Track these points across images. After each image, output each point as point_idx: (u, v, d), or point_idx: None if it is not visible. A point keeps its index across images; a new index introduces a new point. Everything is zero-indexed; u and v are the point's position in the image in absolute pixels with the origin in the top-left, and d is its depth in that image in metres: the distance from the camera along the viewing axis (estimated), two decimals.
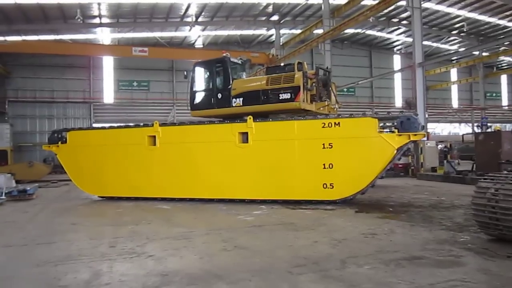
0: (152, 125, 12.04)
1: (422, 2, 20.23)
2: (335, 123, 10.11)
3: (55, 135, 13.04)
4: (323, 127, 10.20)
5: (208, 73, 12.37)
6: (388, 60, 40.63)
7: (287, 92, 10.82)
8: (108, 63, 33.41)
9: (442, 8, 30.23)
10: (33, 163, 21.39)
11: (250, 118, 10.87)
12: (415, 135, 9.56)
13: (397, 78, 40.56)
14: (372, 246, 6.11)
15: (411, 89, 36.72)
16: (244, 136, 10.97)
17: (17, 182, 15.59)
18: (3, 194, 12.46)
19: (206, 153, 11.41)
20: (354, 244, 6.26)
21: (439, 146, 21.78)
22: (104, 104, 33.44)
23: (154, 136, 11.95)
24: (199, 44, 34.76)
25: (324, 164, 10.18)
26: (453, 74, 43.04)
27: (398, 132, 9.60)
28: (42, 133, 31.08)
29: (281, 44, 31.52)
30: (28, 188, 13.18)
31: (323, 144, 10.17)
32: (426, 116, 19.51)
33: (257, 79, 11.98)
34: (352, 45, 38.92)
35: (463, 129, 41.65)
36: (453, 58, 39.01)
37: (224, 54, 12.39)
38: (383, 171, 10.18)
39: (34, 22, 26.21)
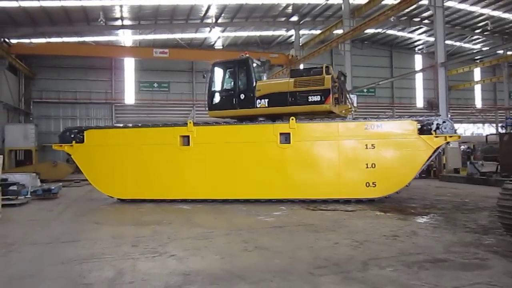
0: (186, 124, 11.68)
1: (444, 1, 19.91)
2: (377, 124, 10.72)
3: (68, 134, 12.08)
4: (366, 128, 10.77)
5: (229, 73, 12.33)
6: (409, 60, 40.09)
7: (316, 95, 11.11)
8: (129, 64, 33.93)
9: (465, 6, 29.66)
10: (57, 163, 21.86)
11: (292, 119, 10.97)
12: (451, 136, 10.43)
13: (418, 78, 40.00)
14: (394, 248, 6.05)
15: (432, 89, 36.56)
16: (286, 137, 11.07)
17: (42, 181, 15.96)
18: (29, 193, 12.76)
19: (245, 153, 11.30)
20: (376, 246, 6.20)
21: (462, 147, 21.40)
22: (125, 105, 33.95)
23: (187, 136, 11.54)
24: (218, 45, 34.99)
25: (367, 164, 10.67)
26: (477, 73, 42.17)
27: (436, 133, 10.34)
28: None
29: (300, 44, 31.45)
30: (53, 188, 13.48)
31: (366, 145, 10.67)
32: (449, 116, 19.16)
33: (283, 80, 11.97)
34: (372, 45, 38.55)
35: (487, 129, 40.85)
36: (476, 58, 38.27)
37: (243, 55, 12.42)
38: (420, 170, 10.83)
39: (58, 25, 26.79)
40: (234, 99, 11.94)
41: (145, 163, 11.81)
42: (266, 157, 11.20)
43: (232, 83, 12.20)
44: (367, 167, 10.66)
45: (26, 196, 12.55)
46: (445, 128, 10.38)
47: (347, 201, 10.97)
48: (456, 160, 18.17)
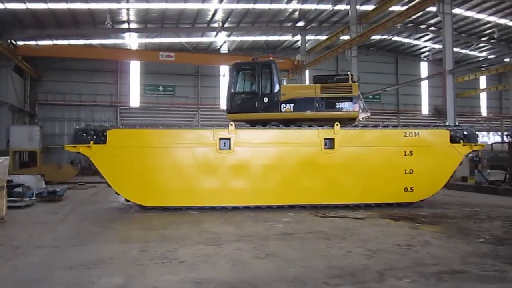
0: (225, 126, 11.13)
1: (452, 8, 19.81)
2: (415, 133, 11.33)
3: (84, 133, 10.63)
4: (404, 136, 11.34)
5: (251, 75, 12.05)
6: (414, 67, 39.97)
7: (344, 102, 11.56)
8: (135, 67, 33.93)
9: (472, 14, 29.53)
10: (62, 165, 21.79)
11: (337, 125, 11.09)
12: (476, 145, 11.48)
13: (424, 85, 39.85)
14: (409, 258, 5.92)
15: (439, 96, 36.33)
16: (330, 142, 11.12)
17: (46, 183, 15.87)
18: (34, 195, 12.67)
19: (288, 157, 11.11)
20: (390, 255, 6.07)
21: (470, 155, 21.18)
22: (130, 108, 33.92)
23: (228, 139, 10.95)
24: (224, 49, 34.99)
25: (405, 170, 11.22)
26: (482, 81, 41.99)
27: (463, 142, 11.30)
28: (70, 135, 31.53)
29: (306, 50, 31.39)
30: (58, 190, 13.37)
31: (405, 151, 11.23)
32: (457, 123, 19.03)
33: (309, 86, 12.00)
34: (378, 51, 38.43)
35: (492, 138, 40.58)
36: (482, 65, 38.11)
37: (256, 58, 12.34)
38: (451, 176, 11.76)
39: (65, 27, 26.81)
40: (257, 102, 11.69)
41: (178, 167, 10.92)
42: (310, 162, 11.11)
43: (255, 85, 11.88)
44: (405, 173, 11.21)
45: (31, 198, 12.47)
46: (471, 138, 11.44)
47: (355, 209, 10.97)
48: (463, 168, 17.97)
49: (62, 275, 5.22)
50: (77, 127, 11.00)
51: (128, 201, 11.16)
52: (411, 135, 11.32)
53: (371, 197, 11.29)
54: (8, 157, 10.20)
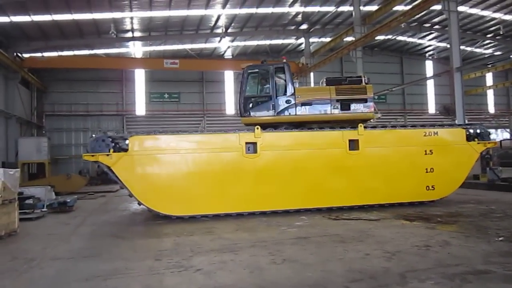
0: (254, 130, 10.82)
1: (457, 5, 19.67)
2: (434, 132, 11.61)
3: (102, 141, 10.12)
4: (424, 135, 11.59)
5: (265, 78, 11.88)
6: (419, 66, 39.77)
7: (359, 103, 11.63)
8: (140, 75, 34.01)
9: (477, 11, 29.36)
10: (71, 175, 21.79)
11: (361, 126, 11.20)
12: (489, 143, 11.87)
13: (430, 84, 39.62)
14: (429, 259, 5.80)
15: (445, 95, 36.33)
16: (354, 143, 11.16)
17: (56, 194, 15.85)
18: (45, 206, 12.65)
19: (315, 159, 11.02)
20: (409, 257, 5.95)
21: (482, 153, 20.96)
22: (136, 116, 33.97)
23: (254, 143, 10.71)
24: (228, 55, 35.03)
25: (426, 169, 11.44)
26: (489, 78, 41.72)
27: (478, 140, 11.70)
28: (77, 145, 31.91)
29: (310, 52, 31.33)
30: (68, 200, 13.33)
31: (425, 151, 11.46)
32: (466, 121, 18.84)
33: (324, 88, 11.90)
34: (382, 51, 38.31)
35: (500, 135, 40.20)
36: (488, 63, 37.85)
37: (265, 61, 12.23)
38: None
39: (69, 38, 26.94)
40: (271, 105, 11.56)
41: (204, 174, 10.54)
42: (336, 164, 11.12)
43: (269, 88, 11.70)
44: (426, 172, 11.43)
45: (42, 209, 12.44)
46: (485, 135, 11.84)
47: (368, 210, 10.87)
48: (475, 166, 17.74)
49: (78, 287, 5.15)
50: (94, 135, 10.58)
51: (150, 211, 10.71)
52: (430, 134, 11.57)
53: (395, 197, 11.39)
54: (18, 169, 10.20)
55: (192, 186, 10.45)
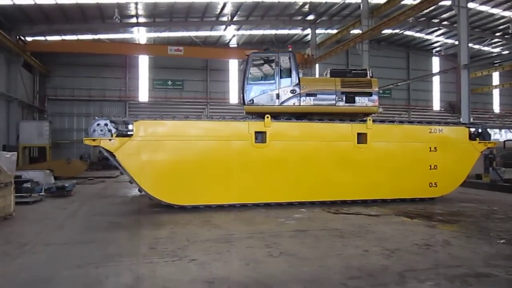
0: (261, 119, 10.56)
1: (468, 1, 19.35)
2: (439, 129, 11.65)
3: (103, 125, 9.54)
4: (430, 132, 11.61)
5: (269, 66, 11.50)
6: (426, 62, 39.36)
7: (364, 96, 11.46)
8: (143, 62, 33.79)
9: (487, 8, 28.94)
10: (71, 160, 21.73)
11: (370, 120, 11.10)
12: (489, 142, 12.01)
13: (435, 80, 39.28)
14: (429, 258, 5.66)
15: (451, 92, 36.00)
16: (362, 137, 11.06)
17: (56, 178, 15.78)
18: (43, 191, 12.56)
19: (322, 152, 10.87)
20: (409, 255, 5.81)
21: (484, 152, 20.75)
22: (139, 103, 33.80)
23: (264, 132, 10.45)
24: (233, 43, 34.69)
25: (430, 165, 11.49)
26: (495, 77, 41.30)
27: (479, 140, 11.85)
28: (79, 130, 31.76)
29: (317, 44, 31.01)
30: (67, 185, 13.24)
31: (430, 147, 11.49)
32: (471, 120, 18.63)
33: (330, 79, 11.65)
34: (389, 46, 37.89)
35: (504, 135, 39.88)
36: (495, 61, 37.43)
37: (267, 47, 12.00)
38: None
39: (73, 22, 26.70)
40: (275, 94, 11.23)
41: (212, 162, 10.16)
42: (344, 157, 10.99)
43: (273, 77, 11.35)
44: (430, 168, 11.47)
45: (40, 193, 12.35)
46: (486, 135, 11.96)
47: (369, 205, 10.71)
48: (478, 165, 17.55)
49: (69, 274, 5.04)
50: (97, 117, 9.89)
51: (151, 199, 10.18)
52: (435, 131, 11.60)
53: (399, 193, 11.38)
54: (15, 152, 10.10)
55: (197, 175, 10.04)
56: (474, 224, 8.34)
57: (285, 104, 11.23)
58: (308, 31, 31.82)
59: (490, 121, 40.37)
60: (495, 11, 29.26)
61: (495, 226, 8.07)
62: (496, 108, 42.36)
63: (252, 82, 11.37)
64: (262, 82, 11.47)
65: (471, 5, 26.70)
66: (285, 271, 5.12)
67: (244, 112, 11.62)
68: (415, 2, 21.37)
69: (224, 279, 4.77)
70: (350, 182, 10.96)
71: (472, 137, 11.93)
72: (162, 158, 9.91)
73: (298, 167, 10.67)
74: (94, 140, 9.45)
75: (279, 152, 10.57)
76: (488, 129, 12.32)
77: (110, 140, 9.47)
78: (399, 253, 5.94)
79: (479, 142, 11.87)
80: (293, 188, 10.66)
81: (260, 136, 10.49)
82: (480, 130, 12.05)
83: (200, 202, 10.18)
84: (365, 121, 11.27)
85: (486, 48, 36.88)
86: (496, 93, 42.13)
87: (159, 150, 9.89)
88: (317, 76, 31.73)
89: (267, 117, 10.47)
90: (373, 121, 11.23)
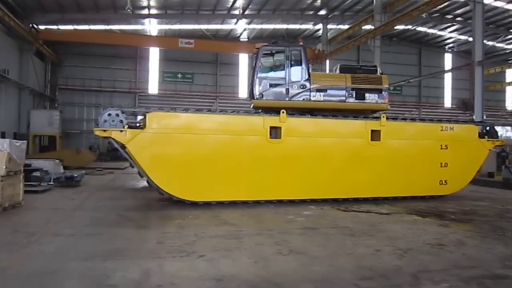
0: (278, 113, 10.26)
1: None
2: (450, 127, 11.59)
3: (117, 116, 9.14)
4: (441, 130, 11.55)
5: (279, 60, 11.23)
6: (438, 59, 38.86)
7: (374, 93, 11.41)
8: (154, 54, 33.76)
9: (502, 4, 28.40)
10: (80, 150, 21.81)
11: (383, 117, 10.98)
12: (497, 140, 12.14)
13: (448, 77, 38.77)
14: (443, 259, 5.52)
15: (463, 89, 35.52)
16: (375, 134, 10.95)
17: (65, 168, 15.79)
18: (52, 180, 12.57)
19: (336, 149, 10.72)
20: (422, 255, 5.67)
21: (497, 150, 20.44)
22: (148, 95, 33.83)
23: (279, 128, 10.21)
24: (244, 37, 34.50)
25: (441, 163, 11.46)
26: (508, 74, 40.65)
27: (488, 138, 11.93)
28: (89, 120, 31.89)
29: (328, 39, 30.70)
30: (76, 175, 13.25)
31: (441, 145, 11.46)
32: (484, 117, 18.34)
33: (340, 75, 11.53)
34: (401, 42, 37.43)
35: None
36: (509, 58, 36.81)
37: (276, 40, 11.81)
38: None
39: (85, 11, 26.70)
40: (285, 90, 11.00)
41: (227, 157, 9.88)
42: (358, 154, 10.86)
43: (284, 71, 11.10)
44: (441, 166, 11.44)
45: (49, 183, 12.37)
46: (494, 133, 12.05)
47: (379, 203, 10.61)
48: (490, 163, 17.29)
49: (75, 267, 4.97)
50: (109, 107, 9.55)
51: (162, 194, 9.86)
52: (447, 129, 11.55)
53: (410, 190, 11.33)
54: (25, 141, 10.08)
55: (211, 170, 9.71)
56: (488, 223, 8.17)
57: (295, 99, 11.03)
58: (320, 26, 31.51)
59: (502, 119, 39.86)
60: (510, 6, 28.70)
61: (510, 226, 7.90)
62: (509, 105, 41.76)
63: (262, 76, 11.11)
64: (272, 76, 11.24)
65: (486, 0, 26.26)
66: (295, 269, 5.01)
67: (252, 106, 11.45)
68: None
69: (233, 277, 4.67)
70: (362, 179, 10.82)
71: (481, 135, 11.97)
72: (175, 152, 9.56)
73: (311, 164, 10.47)
74: (105, 131, 9.05)
75: (293, 148, 10.34)
76: (501, 127, 12.31)
77: (121, 131, 9.08)
78: (412, 253, 5.80)
79: (488, 140, 11.95)
80: (306, 185, 10.48)
81: (274, 132, 10.25)
82: (488, 128, 12.14)
83: (213, 198, 9.90)
84: (378, 118, 11.09)
85: (500, 45, 36.30)
86: (509, 90, 41.52)
87: (172, 144, 9.54)
88: (327, 71, 31.48)
89: (283, 112, 10.20)
90: (387, 118, 11.04)
